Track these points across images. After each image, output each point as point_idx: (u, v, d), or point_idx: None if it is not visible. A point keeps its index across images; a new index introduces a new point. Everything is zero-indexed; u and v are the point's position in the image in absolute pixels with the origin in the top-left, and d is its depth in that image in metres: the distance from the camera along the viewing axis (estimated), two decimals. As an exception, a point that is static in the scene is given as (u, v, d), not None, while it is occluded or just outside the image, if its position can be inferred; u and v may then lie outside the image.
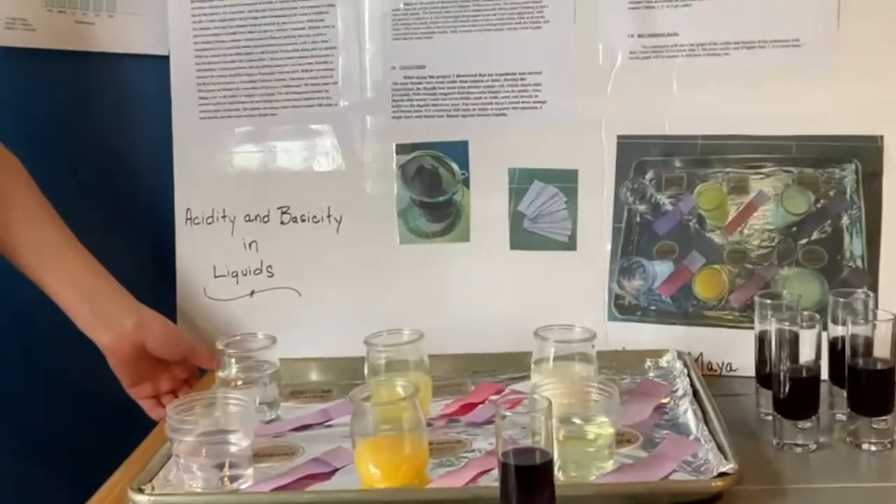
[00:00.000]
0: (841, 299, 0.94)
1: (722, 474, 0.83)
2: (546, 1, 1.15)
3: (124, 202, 1.34)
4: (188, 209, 1.25)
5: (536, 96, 1.17)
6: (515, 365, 1.09)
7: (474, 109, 1.18)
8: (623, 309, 1.15)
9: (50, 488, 1.19)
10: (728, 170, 1.12)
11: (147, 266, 1.30)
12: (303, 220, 1.23)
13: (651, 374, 1.09)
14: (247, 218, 1.24)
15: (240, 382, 1.04)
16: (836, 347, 0.95)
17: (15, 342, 1.34)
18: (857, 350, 0.91)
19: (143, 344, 1.10)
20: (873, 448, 0.91)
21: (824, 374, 0.94)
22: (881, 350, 0.90)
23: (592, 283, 1.16)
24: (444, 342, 1.10)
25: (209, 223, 1.24)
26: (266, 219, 1.23)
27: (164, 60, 1.26)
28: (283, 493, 0.87)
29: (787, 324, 0.90)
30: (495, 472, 0.76)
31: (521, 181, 1.18)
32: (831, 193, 1.10)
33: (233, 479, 0.88)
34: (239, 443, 0.89)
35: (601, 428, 0.86)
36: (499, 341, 1.13)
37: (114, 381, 1.13)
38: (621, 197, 1.15)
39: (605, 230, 1.16)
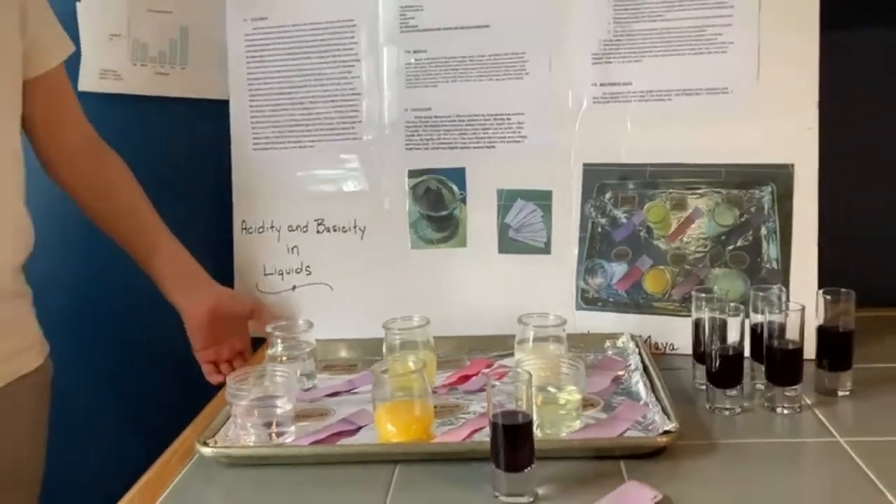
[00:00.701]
0: (760, 293, 0.94)
1: (666, 432, 0.83)
2: (527, 57, 1.15)
3: (193, 216, 1.33)
4: (244, 221, 1.25)
5: (519, 132, 1.16)
6: (502, 345, 1.09)
7: (470, 143, 1.18)
8: (588, 300, 1.15)
9: (134, 442, 1.19)
10: (671, 191, 1.12)
11: (212, 266, 1.30)
12: (334, 230, 1.22)
13: (610, 353, 1.09)
14: (290, 228, 1.24)
15: (284, 358, 1.04)
16: (756, 331, 0.95)
17: (117, 324, 1.35)
18: (773, 333, 0.91)
19: (217, 306, 1.10)
20: (786, 411, 0.91)
21: (747, 353, 0.94)
22: (792, 333, 0.91)
23: (563, 280, 1.16)
24: (446, 326, 1.09)
25: (260, 232, 1.24)
26: (305, 229, 1.23)
27: (225, 104, 1.26)
28: (319, 446, 0.87)
29: (717, 313, 0.91)
30: (487, 430, 0.77)
31: (507, 199, 1.18)
32: (752, 210, 1.09)
33: (279, 434, 0.89)
34: (284, 406, 0.89)
35: (570, 395, 0.87)
36: (489, 326, 1.13)
37: (189, 359, 1.13)
38: (586, 212, 1.15)
39: (573, 238, 1.16)
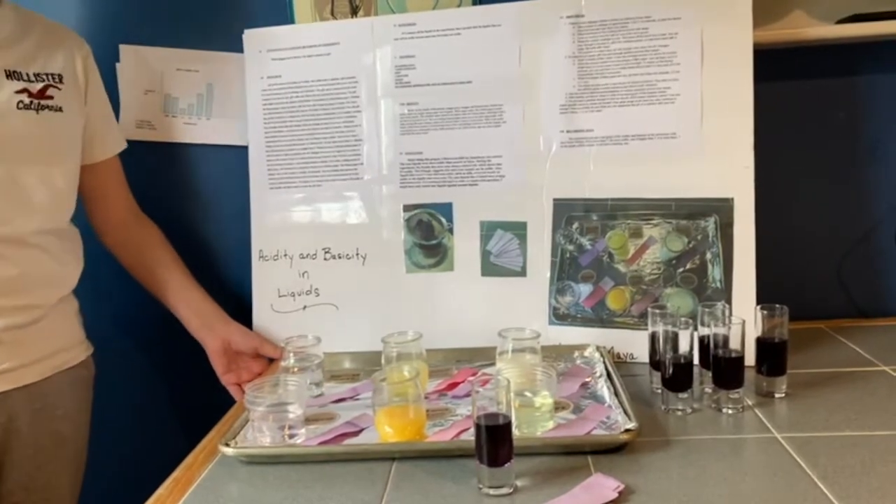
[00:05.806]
0: (707, 309, 0.94)
1: (627, 430, 0.83)
2: (504, 108, 1.16)
3: (218, 246, 1.34)
4: (260, 250, 1.25)
5: (498, 172, 1.17)
6: (485, 355, 1.09)
7: (456, 181, 1.18)
8: (559, 316, 1.15)
9: (165, 441, 1.18)
10: (629, 221, 1.13)
11: (234, 289, 1.30)
12: (339, 257, 1.22)
13: (578, 362, 1.09)
14: (301, 255, 1.23)
15: (296, 369, 1.04)
16: (703, 342, 0.95)
17: (158, 347, 1.37)
18: (718, 344, 0.92)
19: (230, 342, 1.11)
20: (730, 411, 0.92)
21: (696, 361, 0.95)
22: (734, 344, 0.91)
23: (538, 299, 1.16)
24: (437, 340, 1.10)
25: (275, 259, 1.24)
26: (314, 256, 1.23)
27: (244, 149, 1.26)
28: (326, 445, 0.87)
29: (670, 326, 0.91)
30: (472, 430, 0.77)
31: (488, 230, 1.18)
32: (699, 237, 1.10)
33: (291, 436, 0.88)
34: (295, 411, 0.89)
35: (544, 399, 0.87)
36: (474, 339, 1.13)
37: (212, 376, 1.13)
38: (556, 240, 1.16)
39: (546, 263, 1.16)
